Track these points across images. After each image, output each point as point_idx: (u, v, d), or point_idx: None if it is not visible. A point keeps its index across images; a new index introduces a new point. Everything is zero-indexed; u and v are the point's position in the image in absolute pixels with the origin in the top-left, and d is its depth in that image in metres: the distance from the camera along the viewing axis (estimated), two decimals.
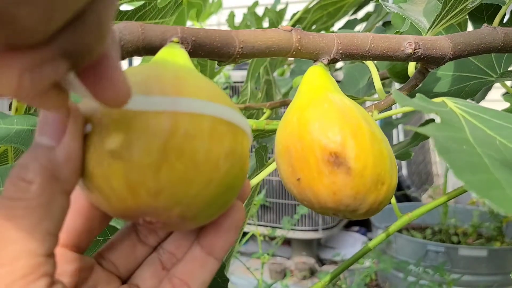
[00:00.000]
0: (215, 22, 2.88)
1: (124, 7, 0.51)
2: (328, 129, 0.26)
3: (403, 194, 2.16)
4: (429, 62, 0.35)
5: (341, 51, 0.32)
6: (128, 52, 0.26)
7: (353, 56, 0.33)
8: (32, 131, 0.29)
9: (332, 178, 0.26)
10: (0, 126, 0.29)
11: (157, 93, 0.18)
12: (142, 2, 0.53)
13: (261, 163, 0.65)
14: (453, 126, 0.23)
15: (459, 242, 1.71)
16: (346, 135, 0.26)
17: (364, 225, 2.18)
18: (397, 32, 0.40)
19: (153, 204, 0.18)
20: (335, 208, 0.27)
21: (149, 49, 0.27)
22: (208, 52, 0.28)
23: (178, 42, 0.27)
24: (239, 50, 0.29)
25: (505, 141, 0.23)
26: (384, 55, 0.33)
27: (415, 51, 0.33)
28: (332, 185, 0.26)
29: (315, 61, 0.32)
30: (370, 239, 2.03)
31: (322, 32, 0.95)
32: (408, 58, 0.34)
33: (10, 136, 0.29)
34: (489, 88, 0.69)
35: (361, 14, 0.91)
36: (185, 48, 0.27)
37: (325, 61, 0.32)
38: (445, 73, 0.56)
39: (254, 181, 0.45)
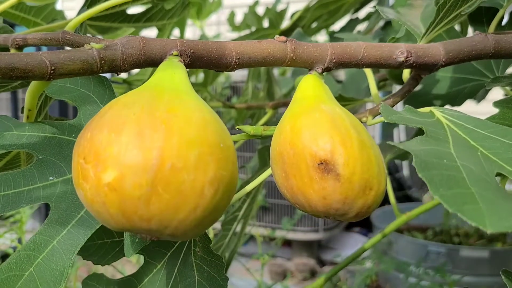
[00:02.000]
0: (215, 21, 2.88)
1: (132, 11, 0.53)
2: (318, 137, 0.28)
3: (404, 194, 2.16)
4: (422, 69, 0.36)
5: (334, 60, 0.33)
6: (130, 65, 0.28)
7: (347, 65, 0.34)
8: (42, 138, 0.31)
9: (322, 184, 0.27)
10: (13, 133, 0.31)
11: (149, 132, 0.20)
12: (149, 5, 0.54)
13: (264, 163, 0.67)
14: (437, 138, 0.24)
15: (460, 243, 1.71)
16: (335, 143, 0.27)
17: (365, 226, 2.18)
18: (392, 39, 0.41)
19: (145, 227, 0.20)
20: (325, 212, 0.28)
21: (150, 62, 0.28)
22: (206, 64, 0.30)
23: (177, 55, 0.28)
24: (236, 60, 0.31)
25: (486, 152, 0.24)
26: (377, 63, 0.34)
27: (407, 59, 0.34)
28: (322, 191, 0.27)
29: (310, 70, 0.33)
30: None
31: (323, 30, 0.96)
32: (401, 66, 0.35)
33: (22, 143, 0.31)
34: (489, 89, 0.70)
35: (362, 13, 0.91)
36: (184, 60, 0.29)
37: (319, 70, 0.33)
38: (444, 75, 0.56)
39: (256, 181, 0.47)
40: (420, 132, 0.48)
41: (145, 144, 0.20)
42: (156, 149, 0.20)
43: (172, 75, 0.26)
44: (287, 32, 0.89)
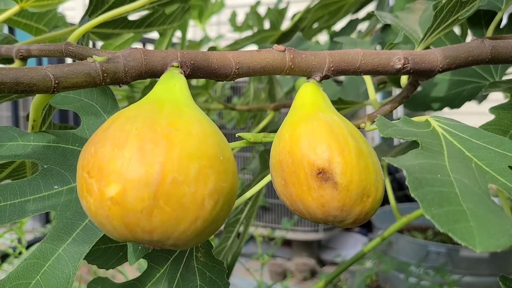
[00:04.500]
0: (215, 22, 2.88)
1: (133, 16, 0.53)
2: (317, 146, 0.28)
3: (404, 194, 2.16)
4: (419, 75, 0.37)
5: (332, 68, 0.34)
6: (132, 77, 0.28)
7: (345, 72, 0.34)
8: (47, 147, 0.32)
9: (320, 192, 0.28)
10: (18, 143, 0.31)
11: (150, 147, 0.21)
12: (149, 12, 0.55)
13: (265, 166, 0.68)
14: (432, 150, 0.25)
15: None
16: (333, 151, 0.28)
17: (365, 226, 2.19)
18: (390, 45, 0.42)
19: (148, 238, 0.21)
20: (324, 219, 0.29)
21: (151, 74, 0.29)
22: (206, 74, 0.30)
23: (177, 67, 0.29)
24: (236, 70, 0.31)
25: (480, 163, 0.25)
26: (374, 70, 0.35)
27: (404, 66, 0.35)
28: (320, 198, 0.28)
29: (308, 78, 0.34)
30: (371, 240, 2.04)
31: (324, 30, 0.96)
32: (398, 72, 0.35)
33: (27, 152, 0.31)
34: (486, 94, 0.70)
35: (363, 13, 0.91)
36: (184, 71, 0.29)
37: (318, 78, 0.33)
38: (443, 77, 0.57)
39: (258, 186, 0.48)
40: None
41: (147, 159, 0.21)
42: (158, 164, 0.21)
43: (172, 87, 0.27)
44: (288, 34, 0.90)
